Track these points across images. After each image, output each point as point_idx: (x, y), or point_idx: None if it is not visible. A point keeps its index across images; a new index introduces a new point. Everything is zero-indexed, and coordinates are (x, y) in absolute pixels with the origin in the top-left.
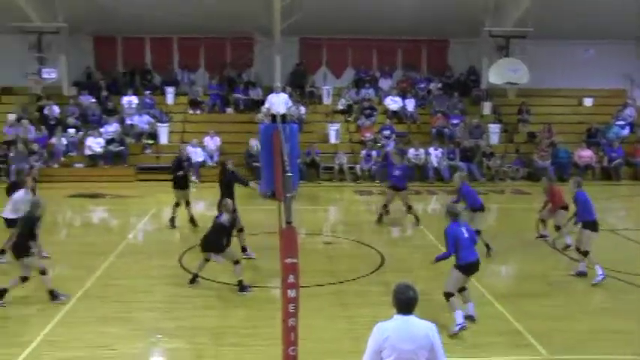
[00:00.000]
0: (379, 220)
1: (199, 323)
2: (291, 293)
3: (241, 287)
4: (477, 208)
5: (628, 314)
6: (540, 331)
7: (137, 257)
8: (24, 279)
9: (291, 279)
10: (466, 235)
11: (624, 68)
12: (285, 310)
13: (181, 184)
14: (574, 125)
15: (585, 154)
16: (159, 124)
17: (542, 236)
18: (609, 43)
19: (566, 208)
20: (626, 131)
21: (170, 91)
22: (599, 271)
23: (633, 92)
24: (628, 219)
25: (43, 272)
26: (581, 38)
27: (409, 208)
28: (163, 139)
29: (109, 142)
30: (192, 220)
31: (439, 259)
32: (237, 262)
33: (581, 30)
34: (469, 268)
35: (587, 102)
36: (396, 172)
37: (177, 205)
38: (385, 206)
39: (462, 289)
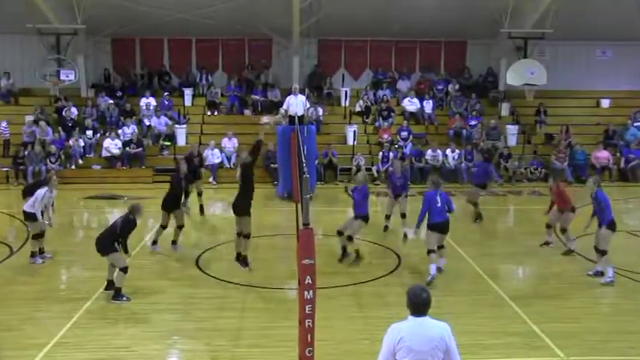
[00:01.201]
0: (386, 229)
1: (216, 325)
2: (307, 295)
3: (117, 295)
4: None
5: None
6: (557, 332)
7: (154, 259)
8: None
9: (308, 280)
10: (439, 203)
11: None
12: (301, 312)
13: (191, 178)
14: (591, 127)
15: (602, 156)
16: (176, 126)
17: (546, 243)
18: (627, 44)
19: (573, 210)
20: None
21: (188, 92)
22: (610, 273)
23: None
24: None
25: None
26: (599, 39)
27: (403, 215)
28: (181, 140)
29: (126, 143)
30: (201, 209)
31: (418, 222)
32: (122, 270)
33: (598, 31)
34: (436, 227)
35: (605, 103)
36: (398, 183)
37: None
38: (388, 217)
39: (440, 247)
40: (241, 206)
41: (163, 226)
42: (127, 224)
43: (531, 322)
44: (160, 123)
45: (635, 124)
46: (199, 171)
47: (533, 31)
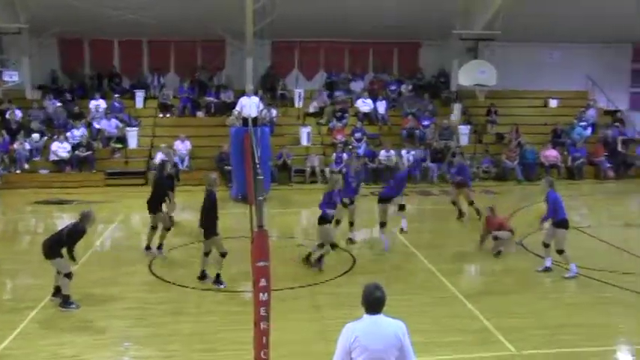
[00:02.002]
0: (351, 241)
1: (171, 330)
2: (262, 297)
3: (65, 302)
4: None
5: (592, 308)
6: (509, 327)
7: (105, 264)
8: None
9: (262, 282)
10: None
11: (587, 71)
12: (256, 314)
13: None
14: (540, 126)
15: (551, 154)
16: (128, 129)
17: (498, 252)
18: (573, 46)
19: (511, 232)
20: (588, 132)
21: (139, 94)
22: (574, 269)
23: (595, 94)
24: (591, 216)
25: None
26: (547, 41)
27: (351, 224)
28: (132, 143)
29: (75, 147)
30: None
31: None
32: (66, 275)
33: (546, 33)
34: (380, 200)
35: (553, 103)
36: (354, 183)
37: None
38: (352, 224)
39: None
40: (211, 227)
41: (153, 227)
42: (76, 232)
43: (484, 319)
44: (110, 125)
45: (581, 123)
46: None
47: (484, 32)
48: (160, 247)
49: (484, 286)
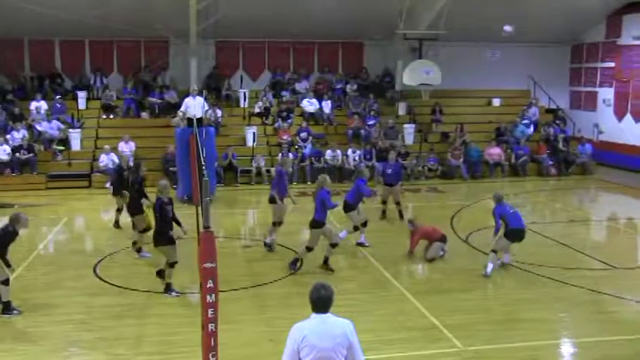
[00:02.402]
0: (270, 248)
1: (117, 333)
2: (210, 298)
3: (6, 309)
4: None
5: (538, 304)
6: (456, 324)
7: (48, 269)
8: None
9: (209, 284)
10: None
11: (528, 70)
12: (204, 316)
13: (120, 191)
14: (484, 124)
15: (494, 152)
16: (70, 130)
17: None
18: (514, 46)
19: (443, 239)
20: (530, 130)
21: (82, 95)
22: (489, 268)
23: (536, 93)
24: (535, 213)
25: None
26: (490, 41)
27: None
28: (75, 145)
29: (16, 149)
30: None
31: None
32: (2, 282)
33: (489, 33)
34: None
35: (496, 102)
36: (286, 183)
37: (119, 210)
38: (279, 224)
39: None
40: (158, 236)
41: (119, 210)
42: (5, 235)
43: (431, 316)
44: (52, 127)
45: (524, 121)
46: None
47: (428, 32)
48: (140, 249)
49: (432, 284)
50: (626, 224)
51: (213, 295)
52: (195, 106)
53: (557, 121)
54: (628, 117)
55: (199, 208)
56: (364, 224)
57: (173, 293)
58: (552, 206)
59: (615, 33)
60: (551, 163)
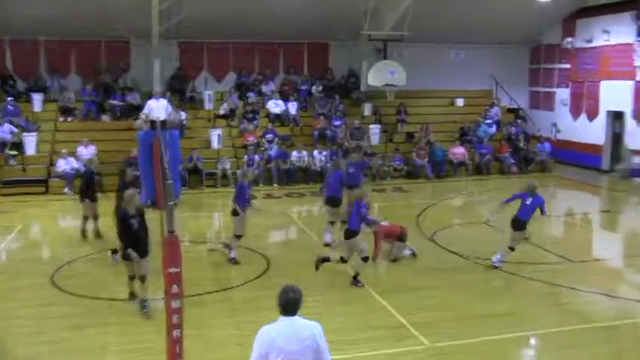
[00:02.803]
0: (235, 261)
1: (77, 344)
2: (175, 304)
3: None
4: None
5: (500, 298)
6: (422, 322)
7: (2, 278)
8: None
9: (174, 289)
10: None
11: (490, 71)
12: (169, 322)
13: (90, 196)
14: (448, 124)
15: (458, 152)
16: (25, 134)
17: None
18: (477, 47)
19: (401, 238)
20: (493, 129)
21: (37, 97)
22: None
23: (498, 93)
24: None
25: None
26: (453, 42)
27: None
28: (30, 149)
29: None
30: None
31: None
32: None
33: (452, 34)
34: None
35: (459, 102)
36: (248, 196)
37: (85, 218)
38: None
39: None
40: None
41: (86, 217)
42: None
43: (398, 314)
44: (3, 131)
45: (486, 121)
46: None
47: (392, 33)
48: (115, 251)
49: (398, 283)
50: (582, 219)
51: (179, 301)
52: (158, 108)
53: (518, 120)
54: (583, 116)
55: (163, 213)
56: (332, 223)
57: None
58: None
59: (570, 36)
60: (512, 161)
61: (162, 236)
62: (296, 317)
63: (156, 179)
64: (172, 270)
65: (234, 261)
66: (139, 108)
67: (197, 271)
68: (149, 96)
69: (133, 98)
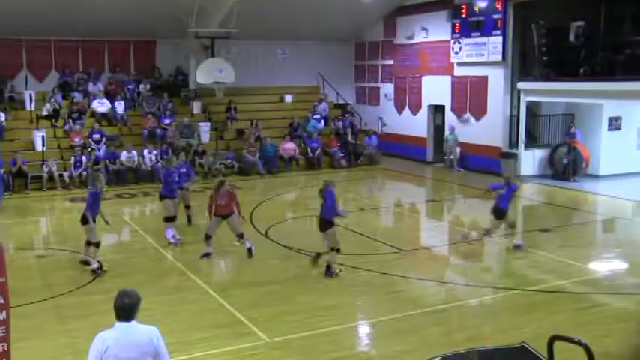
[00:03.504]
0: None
1: None
2: (0, 315)
3: None
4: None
5: (336, 290)
6: (260, 317)
7: None
8: None
9: None
10: (177, 177)
11: (317, 67)
12: None
13: None
14: (278, 120)
15: (289, 147)
16: None
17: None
18: (301, 43)
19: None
20: (322, 124)
21: None
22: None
23: (325, 89)
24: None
25: None
26: (280, 39)
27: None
28: None
29: None
30: None
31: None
32: None
33: (278, 32)
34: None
35: (288, 98)
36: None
37: None
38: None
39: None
40: None
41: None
42: None
43: (236, 311)
44: None
45: (315, 116)
46: None
47: (219, 30)
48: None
49: (234, 279)
50: (410, 209)
51: (4, 312)
52: None
53: (346, 115)
54: (407, 110)
55: None
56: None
57: None
58: (345, 196)
59: (391, 33)
60: (341, 155)
61: None
62: (132, 323)
63: None
64: None
65: (99, 271)
66: None
67: (24, 279)
68: None
69: None
